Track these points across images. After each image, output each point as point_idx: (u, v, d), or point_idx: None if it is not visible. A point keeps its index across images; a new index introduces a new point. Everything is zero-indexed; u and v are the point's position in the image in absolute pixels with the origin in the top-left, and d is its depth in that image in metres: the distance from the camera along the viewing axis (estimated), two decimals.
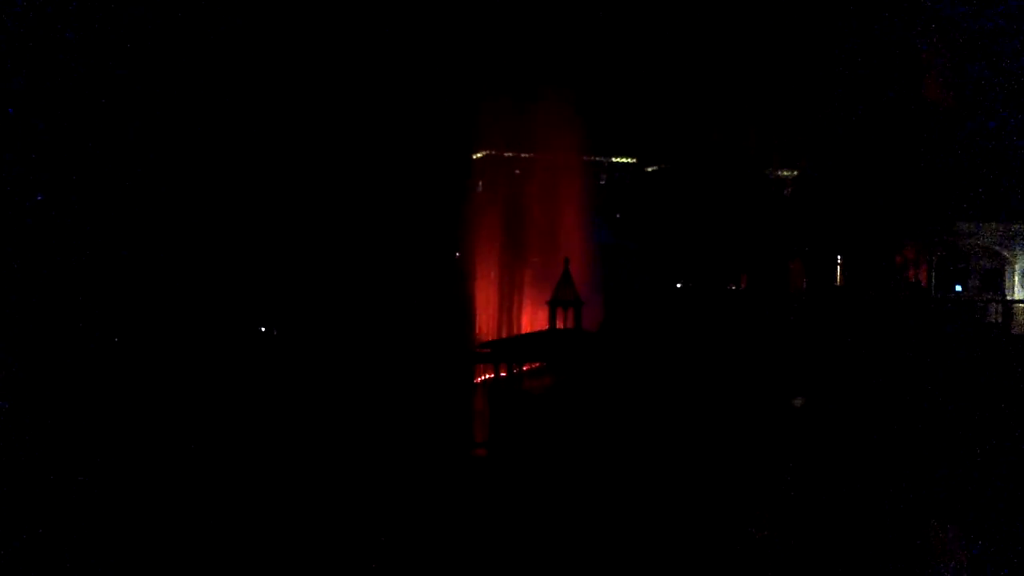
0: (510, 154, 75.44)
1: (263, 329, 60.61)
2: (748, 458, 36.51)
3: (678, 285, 65.72)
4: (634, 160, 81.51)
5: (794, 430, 41.74)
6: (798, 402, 45.96)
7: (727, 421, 42.81)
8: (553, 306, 60.24)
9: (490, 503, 28.31)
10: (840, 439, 39.39)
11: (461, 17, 70.43)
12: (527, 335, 59.38)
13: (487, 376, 58.13)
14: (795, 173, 70.84)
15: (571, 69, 69.09)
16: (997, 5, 67.45)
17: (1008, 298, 67.14)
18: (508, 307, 65.40)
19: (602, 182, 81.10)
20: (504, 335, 62.48)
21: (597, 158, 79.58)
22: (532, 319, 62.80)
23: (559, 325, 59.60)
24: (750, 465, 35.23)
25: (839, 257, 67.41)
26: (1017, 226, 68.28)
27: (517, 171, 74.94)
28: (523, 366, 55.07)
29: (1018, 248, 68.91)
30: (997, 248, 68.68)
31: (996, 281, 68.91)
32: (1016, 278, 68.92)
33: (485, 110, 69.80)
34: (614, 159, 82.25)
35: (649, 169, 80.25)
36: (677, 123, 71.49)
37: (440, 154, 72.65)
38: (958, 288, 68.02)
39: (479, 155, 77.43)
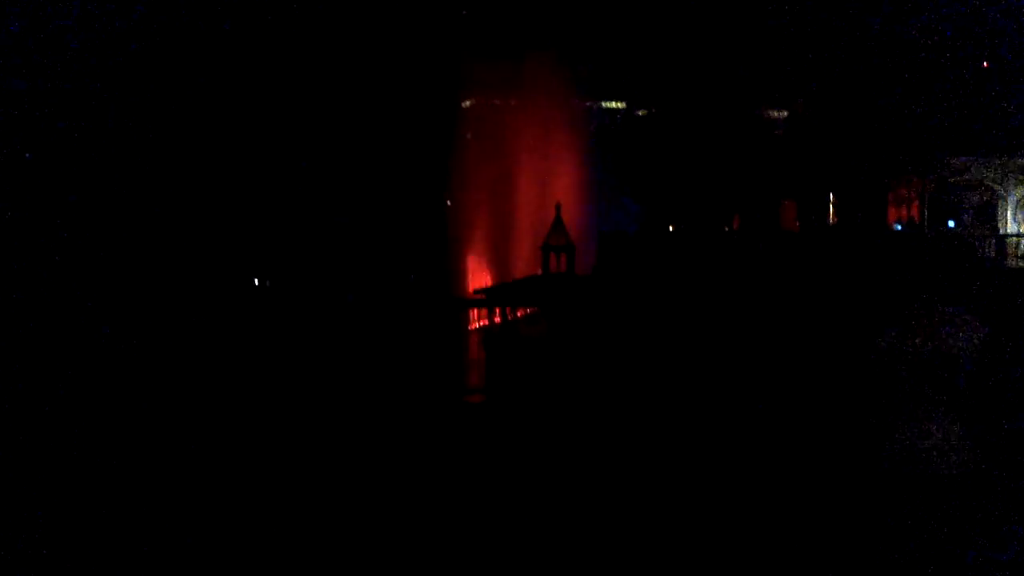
0: (498, 102, 74.86)
1: (256, 281, 60.54)
2: (743, 405, 36.31)
3: (670, 228, 65.60)
4: (624, 105, 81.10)
5: (789, 374, 41.54)
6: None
7: (723, 366, 42.61)
8: (546, 251, 60.12)
9: (485, 449, 28.16)
10: (832, 384, 39.21)
11: None
12: (520, 280, 59.22)
13: (482, 323, 58.03)
14: (786, 113, 70.61)
15: (557, 13, 68.73)
16: None
17: (1001, 232, 67.10)
18: (502, 254, 65.22)
19: (592, 128, 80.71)
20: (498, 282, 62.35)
21: (587, 103, 79.10)
22: (525, 265, 62.65)
23: (552, 270, 59.58)
24: (745, 412, 35.02)
25: (831, 196, 67.32)
26: (1010, 160, 68.04)
27: (507, 117, 74.42)
28: (517, 312, 54.95)
29: (1011, 182, 68.74)
30: (989, 183, 68.53)
31: (989, 215, 68.87)
32: (1009, 212, 68.83)
33: (471, 58, 69.44)
34: (603, 104, 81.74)
35: (640, 113, 79.88)
36: (667, 64, 71.15)
37: (428, 103, 72.37)
38: (951, 223, 67.90)
39: (466, 104, 76.93)
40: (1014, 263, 57.64)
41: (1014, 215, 68.77)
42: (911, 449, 9.65)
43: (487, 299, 55.62)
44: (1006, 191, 68.83)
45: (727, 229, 65.87)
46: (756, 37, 66.69)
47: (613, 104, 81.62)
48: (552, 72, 68.98)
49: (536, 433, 29.55)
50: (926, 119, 64.76)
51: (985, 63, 68.58)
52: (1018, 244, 65.80)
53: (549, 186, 65.02)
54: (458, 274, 64.62)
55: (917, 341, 9.26)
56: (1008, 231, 67.42)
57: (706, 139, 67.71)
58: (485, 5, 69.76)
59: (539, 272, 60.21)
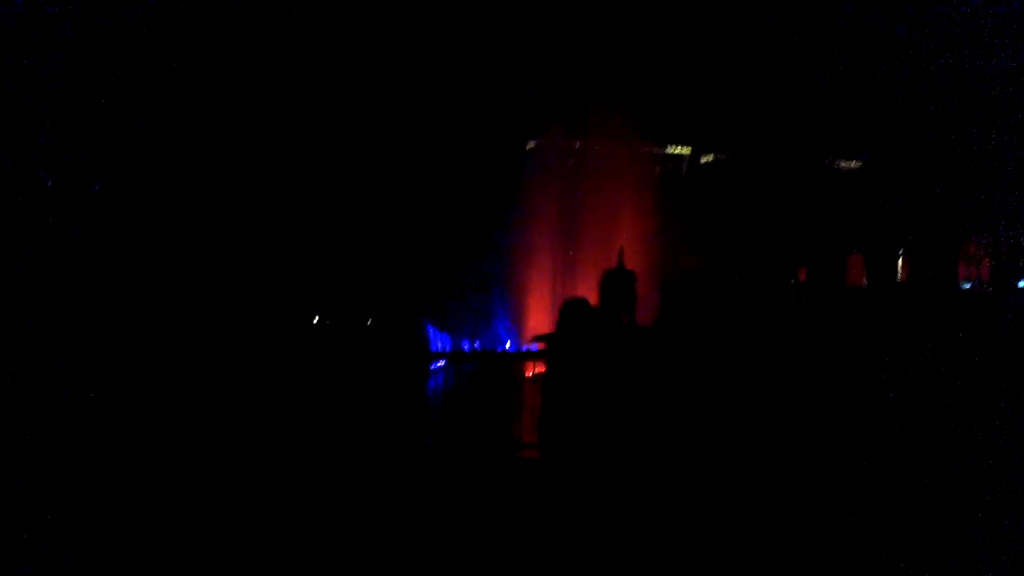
0: (563, 143, 74.41)
1: (317, 319, 60.29)
2: (806, 453, 35.26)
3: (735, 278, 64.46)
4: (689, 150, 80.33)
5: (849, 426, 40.36)
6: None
7: (787, 418, 41.53)
8: (606, 297, 59.31)
9: (541, 512, 27.21)
10: (893, 437, 38.05)
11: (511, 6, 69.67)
12: (579, 328, 58.45)
13: (537, 370, 57.29)
14: (858, 164, 69.52)
15: (624, 57, 68.31)
16: None
17: None
18: (560, 298, 64.54)
19: (656, 172, 79.95)
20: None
21: (651, 148, 78.45)
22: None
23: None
24: (810, 460, 33.99)
25: (901, 251, 65.94)
26: None
27: (571, 160, 73.94)
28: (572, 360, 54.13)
29: None
30: None
31: None
32: None
33: (536, 99, 69.25)
34: (668, 150, 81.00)
35: (704, 159, 79.09)
36: (734, 111, 70.35)
37: (490, 144, 72.15)
38: (1021, 284, 66.27)
39: (531, 145, 76.62)
40: None
41: None
42: None
43: (546, 347, 54.97)
44: None
45: (793, 281, 64.62)
46: (830, 86, 65.77)
47: (678, 150, 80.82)
48: (616, 115, 68.59)
49: (597, 498, 28.59)
50: (1000, 176, 63.46)
51: None
52: None
53: (613, 230, 64.41)
54: (517, 320, 64.17)
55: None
56: None
57: (774, 188, 66.76)
58: (553, 47, 69.36)
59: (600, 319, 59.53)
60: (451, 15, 68.73)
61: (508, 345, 64.46)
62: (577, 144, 73.97)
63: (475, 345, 63.73)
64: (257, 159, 62.22)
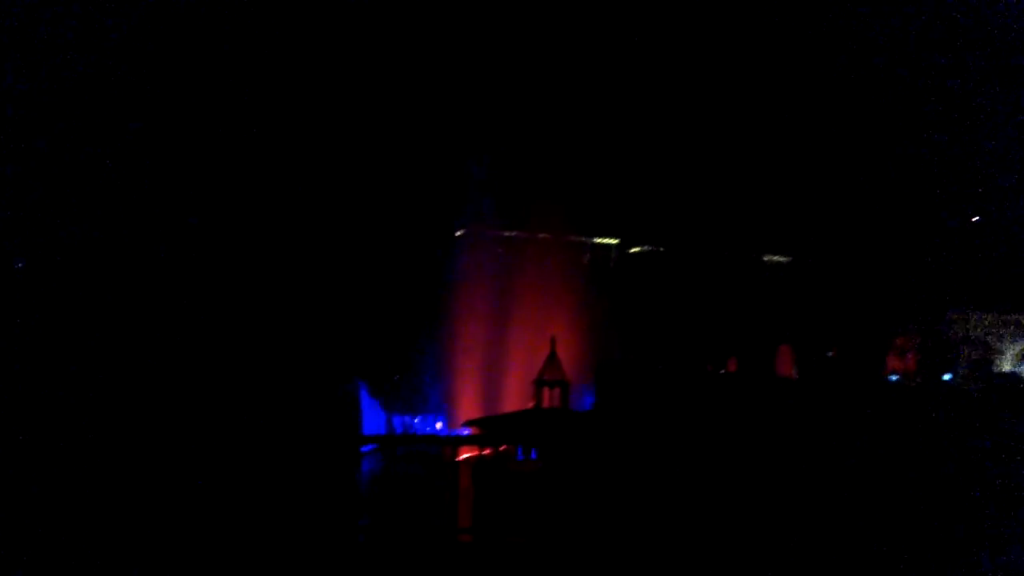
0: (492, 232, 74.58)
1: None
2: (739, 542, 35.04)
3: (664, 366, 64.74)
4: (617, 241, 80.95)
5: (783, 518, 40.25)
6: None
7: (722, 505, 41.30)
8: (540, 385, 59.18)
9: None
10: (828, 528, 37.96)
11: (441, 95, 70.19)
12: (513, 414, 58.17)
13: (469, 455, 56.65)
14: (788, 259, 70.53)
15: (554, 153, 68.96)
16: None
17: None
18: (492, 385, 64.20)
19: (585, 261, 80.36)
20: (487, 413, 61.15)
21: (580, 238, 78.93)
22: (517, 398, 61.64)
23: (545, 404, 58.48)
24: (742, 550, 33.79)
25: (830, 344, 66.83)
26: (1007, 316, 67.71)
27: (500, 249, 74.06)
28: (507, 446, 53.68)
29: (1007, 338, 68.32)
30: (987, 338, 68.11)
31: (985, 370, 68.23)
32: (1006, 367, 68.28)
33: (466, 188, 69.54)
34: (596, 240, 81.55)
35: (632, 250, 79.73)
36: (666, 207, 71.24)
37: (420, 230, 72.12)
38: (947, 376, 67.27)
39: (459, 232, 76.71)
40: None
41: (1011, 371, 68.26)
42: None
43: (480, 433, 54.49)
44: (1003, 347, 68.44)
45: (723, 371, 65.09)
46: (757, 183, 66.92)
47: (607, 240, 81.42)
48: (547, 206, 68.98)
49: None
50: (928, 273, 64.72)
51: (977, 218, 68.85)
52: None
53: (544, 317, 64.42)
54: (449, 404, 63.70)
55: None
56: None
57: (704, 279, 67.42)
58: (482, 138, 69.88)
59: (532, 406, 59.25)
60: (385, 102, 69.05)
61: (439, 426, 63.86)
62: (507, 233, 74.16)
63: (408, 422, 63.03)
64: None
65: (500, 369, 64.63)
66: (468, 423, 55.91)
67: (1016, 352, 68.64)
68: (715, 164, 68.83)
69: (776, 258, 71.52)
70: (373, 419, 60.65)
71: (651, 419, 52.34)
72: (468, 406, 62.52)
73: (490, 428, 54.04)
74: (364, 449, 56.66)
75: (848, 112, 66.58)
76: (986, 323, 67.97)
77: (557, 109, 70.31)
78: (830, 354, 66.36)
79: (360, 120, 68.39)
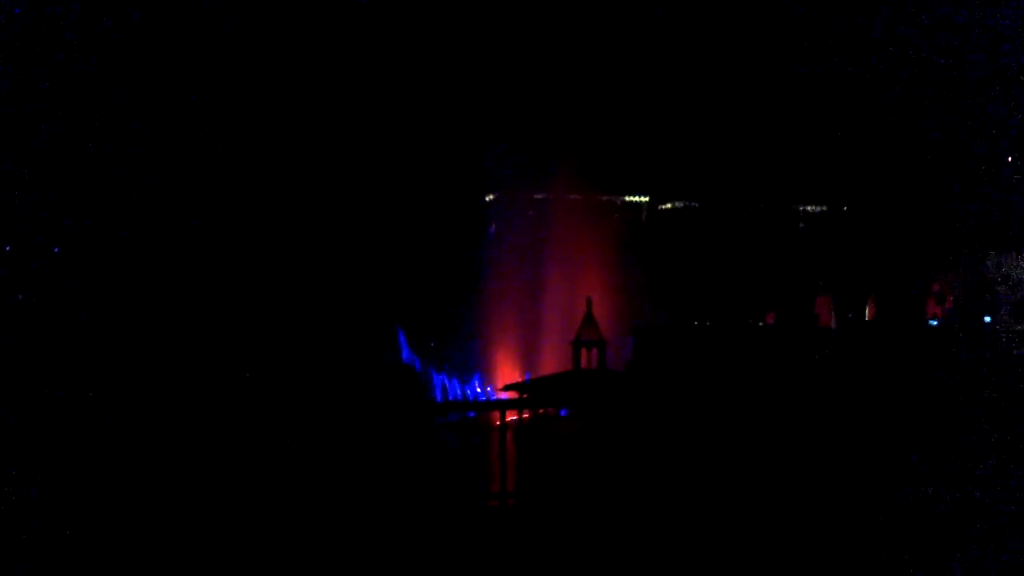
0: (522, 195, 74.25)
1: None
2: (779, 502, 34.63)
3: (701, 323, 64.42)
4: (647, 198, 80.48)
5: (823, 473, 39.82)
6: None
7: (760, 463, 40.92)
8: (577, 346, 58.96)
9: (517, 562, 26.48)
10: (865, 482, 37.55)
11: (468, 63, 69.79)
12: (551, 376, 57.98)
13: (510, 418, 56.53)
14: (823, 207, 69.88)
15: (581, 112, 68.55)
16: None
17: None
18: (529, 348, 64.05)
19: (616, 220, 79.94)
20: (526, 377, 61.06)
21: (609, 197, 78.54)
22: (554, 360, 61.51)
23: (583, 366, 58.28)
24: (780, 510, 33.37)
25: (868, 292, 66.16)
26: None
27: (530, 212, 73.73)
28: (548, 408, 53.49)
29: None
30: None
31: None
32: None
33: (494, 152, 69.30)
34: (626, 198, 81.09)
35: (663, 207, 79.33)
36: (695, 161, 70.67)
37: (450, 198, 71.94)
38: (987, 319, 66.54)
39: (490, 197, 76.43)
40: None
41: None
42: None
43: (519, 396, 54.32)
44: None
45: (762, 324, 64.74)
46: (794, 132, 66.17)
47: (637, 198, 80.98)
48: (574, 165, 68.60)
49: (574, 548, 27.93)
50: (964, 215, 63.93)
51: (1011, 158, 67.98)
52: None
53: (577, 279, 64.17)
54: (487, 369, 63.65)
55: None
56: None
57: (739, 232, 66.89)
58: (510, 101, 69.48)
59: (570, 367, 59.06)
60: (408, 70, 68.72)
61: (479, 391, 63.82)
62: (537, 196, 73.79)
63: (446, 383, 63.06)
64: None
65: (536, 332, 64.47)
66: (507, 387, 55.81)
67: None
68: (744, 113, 68.12)
69: (811, 208, 70.88)
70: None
71: (691, 377, 52.19)
72: (506, 370, 62.50)
73: (530, 391, 53.90)
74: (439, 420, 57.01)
75: (877, 56, 65.71)
76: None
77: (577, 67, 69.88)
78: (868, 301, 65.85)
79: (387, 91, 68.13)
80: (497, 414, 57.51)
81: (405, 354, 61.97)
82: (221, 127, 62.23)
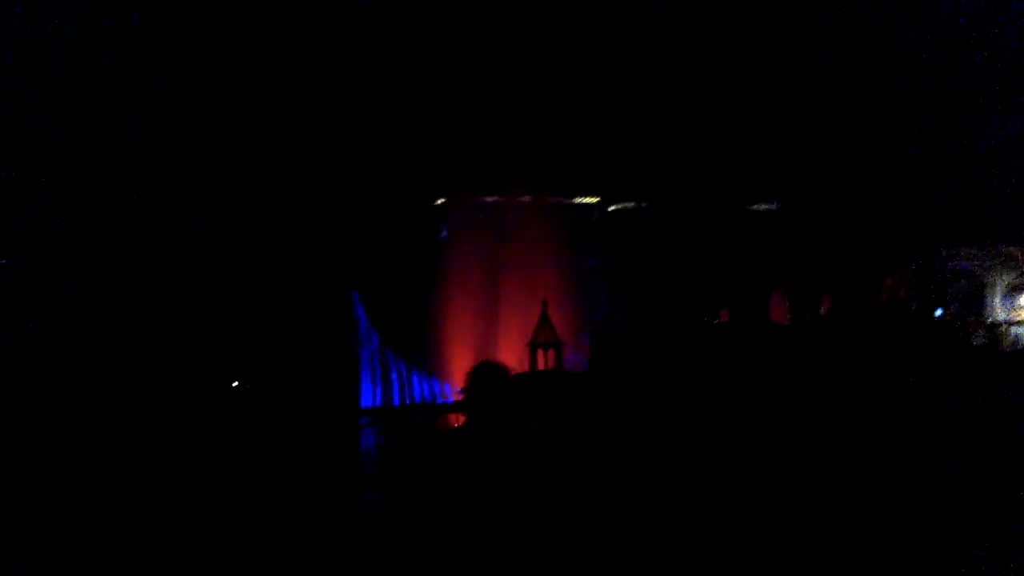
0: (473, 199, 73.84)
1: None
2: (738, 498, 34.46)
3: (656, 321, 64.26)
4: (597, 199, 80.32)
5: (780, 467, 39.78)
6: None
7: (719, 460, 40.82)
8: (533, 348, 58.83)
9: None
10: (826, 474, 37.54)
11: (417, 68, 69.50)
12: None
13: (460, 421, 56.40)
14: (774, 205, 69.97)
15: (531, 114, 68.40)
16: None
17: (989, 320, 66.46)
18: (487, 350, 63.71)
19: (567, 222, 79.69)
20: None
21: (560, 199, 78.27)
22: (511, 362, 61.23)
23: (540, 367, 58.19)
24: (741, 506, 33.21)
25: (822, 289, 66.35)
26: (996, 248, 67.39)
27: (481, 215, 73.37)
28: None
29: (997, 270, 68.03)
30: (976, 271, 67.79)
31: (976, 304, 68.01)
32: (996, 300, 68.04)
33: (445, 158, 68.97)
34: (576, 199, 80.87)
35: (611, 208, 79.20)
36: (646, 161, 70.58)
37: (398, 202, 71.51)
38: (938, 312, 67.02)
39: (440, 201, 75.98)
40: (1010, 348, 57.17)
41: (1002, 303, 68.02)
42: None
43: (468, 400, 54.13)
44: (993, 279, 68.12)
45: (716, 322, 64.73)
46: (745, 130, 66.31)
47: (587, 199, 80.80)
48: (524, 168, 68.40)
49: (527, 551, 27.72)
50: (917, 209, 64.37)
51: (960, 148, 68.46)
52: (1007, 331, 65.32)
53: (530, 279, 64.03)
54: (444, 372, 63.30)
55: None
56: (996, 319, 66.78)
57: (693, 232, 66.97)
58: (459, 105, 69.20)
59: (527, 369, 58.94)
60: (369, 73, 68.52)
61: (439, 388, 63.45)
62: (487, 199, 73.47)
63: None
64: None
65: (493, 334, 64.23)
66: (463, 389, 55.56)
67: (1006, 284, 68.51)
68: (693, 113, 68.12)
69: (762, 206, 70.97)
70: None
71: (648, 376, 52.14)
72: (463, 372, 62.09)
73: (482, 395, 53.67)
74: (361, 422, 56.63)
75: (828, 47, 65.99)
76: (976, 255, 67.73)
77: (527, 70, 69.69)
78: (821, 297, 66.05)
79: (338, 94, 67.81)
80: (450, 417, 57.59)
81: (363, 325, 61.79)
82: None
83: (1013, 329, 65.26)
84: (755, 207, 70.43)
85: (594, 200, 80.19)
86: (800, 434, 43.90)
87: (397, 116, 69.26)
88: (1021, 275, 68.20)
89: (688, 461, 39.64)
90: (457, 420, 56.63)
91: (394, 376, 61.53)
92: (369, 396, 60.16)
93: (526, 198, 71.96)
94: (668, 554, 25.54)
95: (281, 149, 64.80)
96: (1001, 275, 68.28)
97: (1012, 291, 68.47)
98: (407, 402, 61.17)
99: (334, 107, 67.49)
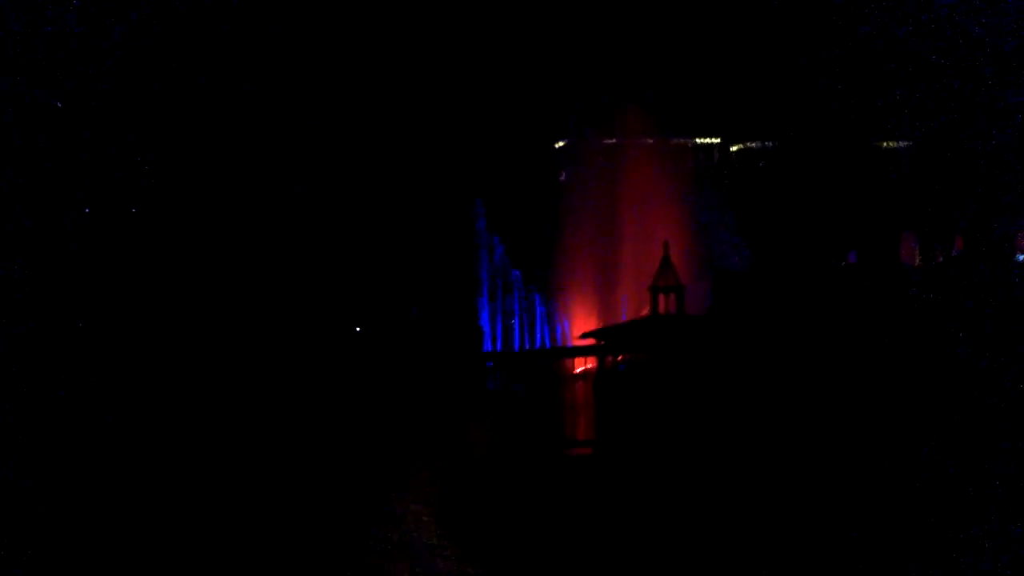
0: (592, 142, 73.09)
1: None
2: (868, 445, 33.35)
3: (781, 265, 62.92)
4: (718, 140, 79.02)
5: (912, 413, 38.36)
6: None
7: (848, 407, 39.56)
8: (655, 292, 57.80)
9: (594, 511, 25.86)
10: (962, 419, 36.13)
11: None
12: (629, 322, 57.06)
13: (588, 366, 55.85)
14: (906, 143, 67.85)
15: (648, 54, 67.60)
16: None
17: None
18: (606, 294, 63.06)
19: (689, 163, 78.57)
20: (604, 324, 60.07)
21: (681, 140, 77.14)
22: (632, 306, 60.57)
23: (661, 311, 57.18)
24: (871, 453, 32.13)
25: (954, 228, 64.22)
26: None
27: (601, 158, 72.54)
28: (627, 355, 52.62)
29: None
30: None
31: None
32: None
33: (564, 101, 68.55)
34: (698, 140, 79.61)
35: (733, 148, 77.85)
36: (768, 97, 69.03)
37: (521, 145, 71.42)
38: None
39: (560, 144, 75.47)
40: None
41: None
42: None
43: (595, 345, 53.56)
44: None
45: (844, 264, 63.12)
46: (876, 56, 64.21)
47: (708, 140, 79.55)
48: (643, 110, 67.46)
49: (651, 499, 27.09)
50: None
51: None
52: None
53: (651, 224, 63.09)
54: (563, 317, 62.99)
55: None
56: None
57: (816, 172, 65.24)
58: (577, 49, 68.62)
59: (645, 313, 58.05)
60: (481, 23, 68.42)
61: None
62: (607, 141, 72.62)
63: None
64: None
65: (613, 278, 63.47)
66: (585, 335, 55.02)
67: None
68: (818, 43, 66.24)
69: (893, 143, 68.84)
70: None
71: (772, 322, 50.91)
72: (583, 317, 61.62)
73: (607, 339, 53.12)
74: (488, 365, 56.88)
75: None
76: None
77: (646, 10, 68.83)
78: (954, 238, 63.94)
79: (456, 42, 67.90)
80: (579, 362, 57.38)
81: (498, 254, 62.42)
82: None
83: None
84: (885, 144, 68.37)
85: (715, 141, 78.91)
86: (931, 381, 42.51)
87: (517, 57, 69.05)
88: None
89: (813, 410, 38.61)
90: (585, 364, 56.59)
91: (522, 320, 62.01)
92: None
93: (646, 140, 70.87)
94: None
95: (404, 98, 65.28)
96: None
97: None
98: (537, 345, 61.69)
99: (460, 55, 67.60)
